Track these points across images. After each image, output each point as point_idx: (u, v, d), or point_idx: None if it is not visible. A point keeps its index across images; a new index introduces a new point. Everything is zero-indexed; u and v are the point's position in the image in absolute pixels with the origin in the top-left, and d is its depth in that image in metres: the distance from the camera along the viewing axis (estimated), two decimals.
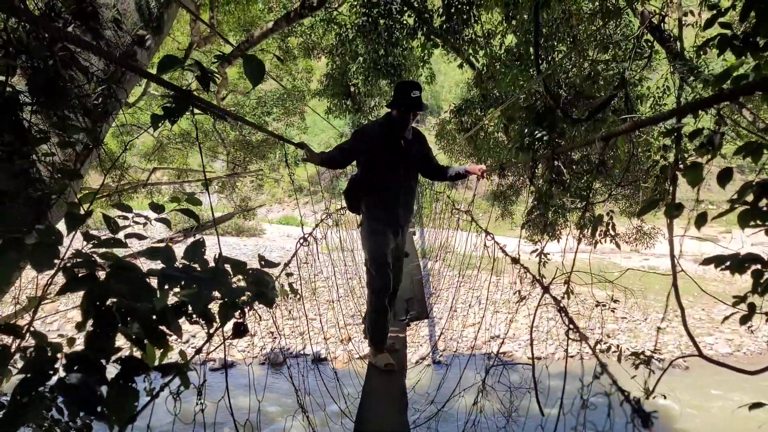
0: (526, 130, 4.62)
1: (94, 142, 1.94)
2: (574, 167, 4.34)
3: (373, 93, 10.27)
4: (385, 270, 3.73)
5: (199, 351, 1.78)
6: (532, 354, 3.39)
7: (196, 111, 1.71)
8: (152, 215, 1.52)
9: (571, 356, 13.52)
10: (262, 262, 1.51)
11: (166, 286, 1.20)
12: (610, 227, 3.67)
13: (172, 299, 1.23)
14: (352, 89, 10.12)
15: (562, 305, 3.11)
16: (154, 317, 1.18)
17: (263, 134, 9.93)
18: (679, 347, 14.10)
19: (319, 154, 3.48)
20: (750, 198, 1.54)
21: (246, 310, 1.42)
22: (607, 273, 3.90)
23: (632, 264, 18.61)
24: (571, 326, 2.85)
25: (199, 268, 1.31)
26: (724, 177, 1.62)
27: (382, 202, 3.69)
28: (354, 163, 3.79)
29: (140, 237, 1.45)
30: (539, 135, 4.89)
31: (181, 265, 1.29)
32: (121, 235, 1.38)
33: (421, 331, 13.32)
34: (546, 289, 2.95)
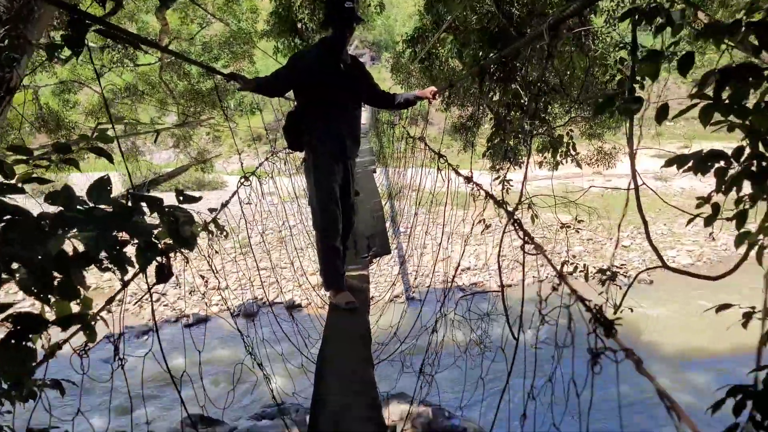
0: (480, 54, 4.41)
1: (5, 91, 1.73)
2: (531, 88, 4.24)
3: (321, 28, 9.88)
4: (332, 207, 3.53)
5: (110, 301, 1.65)
6: (501, 280, 3.37)
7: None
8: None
9: (540, 280, 13.82)
10: (180, 198, 1.35)
11: (61, 231, 1.07)
12: (570, 147, 3.61)
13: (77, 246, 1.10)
14: (299, 25, 9.70)
15: (517, 218, 3.04)
16: (54, 266, 1.06)
17: (213, 82, 9.54)
18: (644, 262, 14.53)
19: (253, 80, 3.30)
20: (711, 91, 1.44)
21: (168, 251, 1.29)
22: (570, 195, 3.87)
23: (594, 184, 18.88)
24: (527, 239, 2.80)
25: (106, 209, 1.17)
26: (686, 63, 1.51)
27: (326, 133, 3.45)
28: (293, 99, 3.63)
29: (42, 181, 1.32)
30: (494, 57, 4.72)
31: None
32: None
33: (393, 270, 13.42)
34: (509, 212, 2.88)
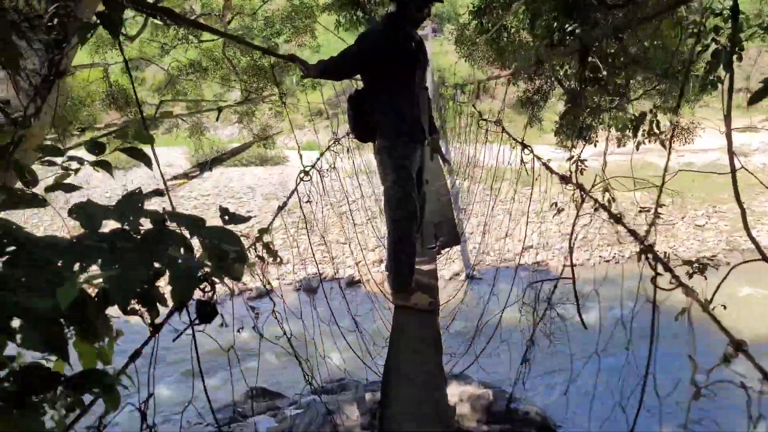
0: (555, 24, 4.06)
1: (55, 74, 1.67)
2: (610, 62, 3.90)
3: (385, 0, 9.62)
4: (413, 198, 3.24)
5: (136, 355, 1.23)
6: (572, 266, 3.17)
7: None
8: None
9: (606, 260, 13.35)
10: (226, 217, 1.12)
11: (76, 267, 0.82)
12: (654, 125, 3.31)
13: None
14: None
15: (603, 203, 2.83)
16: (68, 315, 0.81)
17: (276, 58, 9.53)
18: (719, 243, 13.76)
19: (316, 65, 3.06)
20: None
21: (214, 284, 1.06)
22: (650, 177, 3.55)
23: (669, 162, 17.96)
24: (618, 223, 2.59)
25: (134, 233, 0.95)
26: None
27: (404, 114, 3.20)
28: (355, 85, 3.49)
29: (69, 188, 1.08)
30: (570, 28, 4.37)
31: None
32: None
33: (453, 248, 13.22)
34: (587, 193, 2.68)
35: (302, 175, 3.19)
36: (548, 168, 2.61)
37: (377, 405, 6.98)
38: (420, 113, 3.27)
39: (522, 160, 3.01)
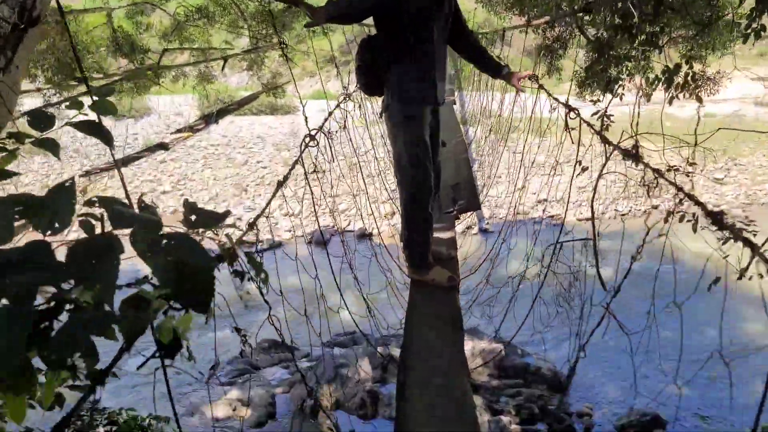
0: None
1: (27, 22, 1.48)
2: (644, 7, 3.58)
3: None
4: (426, 164, 2.93)
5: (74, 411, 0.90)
6: (594, 227, 3.03)
7: None
8: None
9: (623, 214, 13.13)
10: (192, 217, 0.88)
11: None
12: (689, 78, 3.07)
13: None
14: None
15: (635, 153, 2.67)
16: None
17: (282, 3, 9.17)
18: (738, 197, 13.48)
19: (323, 9, 2.66)
20: None
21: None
22: (680, 132, 3.33)
23: (688, 113, 17.48)
24: (659, 175, 2.44)
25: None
26: None
27: (417, 71, 2.87)
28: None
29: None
30: None
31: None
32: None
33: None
34: (617, 147, 2.51)
35: (307, 139, 2.96)
36: (598, 133, 2.41)
37: (388, 359, 6.99)
38: (437, 71, 2.93)
39: (567, 125, 2.75)
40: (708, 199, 13.62)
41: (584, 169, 3.67)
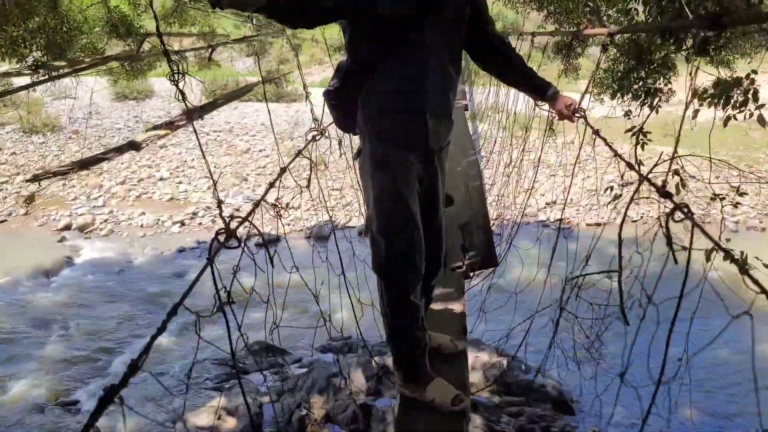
0: None
1: None
2: (701, 8, 3.06)
3: None
4: (409, 235, 1.98)
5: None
6: (620, 263, 2.67)
7: None
8: None
9: (634, 221, 12.69)
10: None
11: None
12: (753, 94, 2.64)
13: None
14: None
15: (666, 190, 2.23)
16: None
17: None
18: (755, 207, 12.99)
19: None
20: None
21: None
22: (700, 139, 2.87)
23: (708, 116, 17.00)
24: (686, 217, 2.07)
25: None
26: None
27: (400, 102, 1.94)
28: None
29: None
30: None
31: None
32: None
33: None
34: (650, 182, 2.10)
35: (313, 133, 2.66)
36: (625, 161, 1.98)
37: (383, 370, 6.62)
38: (430, 100, 1.95)
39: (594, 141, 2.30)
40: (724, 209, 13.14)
41: (617, 197, 3.27)
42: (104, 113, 18.39)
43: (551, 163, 11.77)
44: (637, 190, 2.31)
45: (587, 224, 11.61)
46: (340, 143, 2.93)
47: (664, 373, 1.38)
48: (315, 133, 2.44)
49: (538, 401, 6.60)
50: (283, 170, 2.32)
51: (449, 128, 2.11)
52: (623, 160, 2.04)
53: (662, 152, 2.66)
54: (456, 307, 2.82)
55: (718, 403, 6.06)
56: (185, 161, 14.67)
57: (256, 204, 1.99)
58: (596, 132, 2.10)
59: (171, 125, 3.60)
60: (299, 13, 1.76)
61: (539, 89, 2.22)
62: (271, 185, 2.21)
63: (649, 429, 6.05)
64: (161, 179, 13.51)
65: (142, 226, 11.66)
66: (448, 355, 2.40)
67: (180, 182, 13.41)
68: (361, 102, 2.01)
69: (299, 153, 2.37)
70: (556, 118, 2.28)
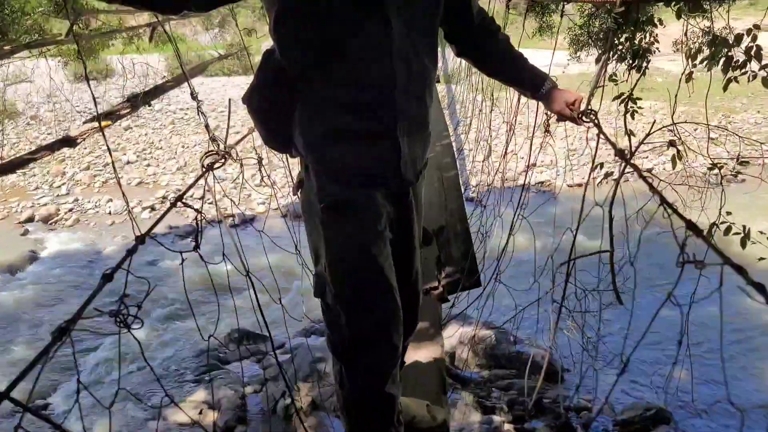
0: None
1: None
2: None
3: None
4: (383, 309, 1.47)
5: None
6: (612, 246, 2.57)
7: None
8: None
9: (614, 180, 12.55)
10: None
11: None
12: (754, 53, 2.38)
13: None
14: None
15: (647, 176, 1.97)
16: None
17: None
18: (733, 155, 12.91)
19: None
20: None
21: None
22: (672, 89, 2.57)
23: (679, 66, 16.80)
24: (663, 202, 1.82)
25: None
26: None
27: (358, 119, 1.39)
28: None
29: None
30: None
31: None
32: None
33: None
34: (634, 167, 1.78)
35: (211, 158, 1.76)
36: (610, 142, 1.68)
37: None
38: (395, 117, 1.39)
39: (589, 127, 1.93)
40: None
41: (608, 174, 3.10)
42: (64, 95, 17.65)
43: (527, 124, 11.52)
44: (623, 173, 2.08)
45: (568, 185, 11.45)
46: (260, 164, 2.23)
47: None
48: (213, 157, 1.70)
49: (529, 373, 6.47)
50: (173, 204, 1.67)
51: (427, 144, 1.55)
52: (624, 159, 1.77)
53: (654, 121, 2.41)
54: (432, 350, 2.12)
55: (713, 370, 5.98)
56: (152, 143, 14.13)
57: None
58: (601, 129, 1.69)
59: (111, 115, 3.23)
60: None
61: (530, 85, 1.66)
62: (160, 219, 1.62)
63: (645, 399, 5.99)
64: (128, 163, 12.99)
65: (110, 213, 11.20)
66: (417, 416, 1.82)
67: (148, 165, 12.91)
68: (298, 118, 1.41)
69: (193, 184, 1.58)
70: (554, 119, 1.72)
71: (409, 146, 1.44)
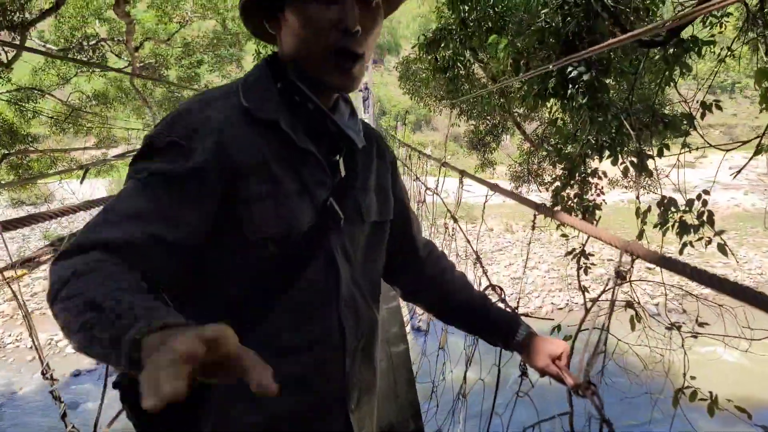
0: (551, 67, 2.74)
1: None
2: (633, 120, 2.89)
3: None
4: None
5: None
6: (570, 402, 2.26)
7: None
8: None
9: (560, 308, 12.64)
10: None
11: None
12: (705, 217, 2.33)
13: None
14: None
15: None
16: None
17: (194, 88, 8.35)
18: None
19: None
20: None
21: None
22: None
23: (614, 199, 17.56)
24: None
25: None
26: None
27: (295, 390, 0.93)
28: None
29: None
30: (574, 74, 3.26)
31: None
32: None
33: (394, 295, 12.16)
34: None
35: None
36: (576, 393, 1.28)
37: None
38: (346, 388, 1.00)
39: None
40: (645, 290, 13.38)
41: (584, 291, 2.88)
42: None
43: (481, 249, 11.61)
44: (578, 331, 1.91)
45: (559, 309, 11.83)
46: None
47: None
48: None
49: None
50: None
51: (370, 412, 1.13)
52: (578, 395, 1.55)
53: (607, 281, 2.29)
54: None
55: None
56: None
57: None
58: (602, 406, 1.32)
59: (30, 261, 2.82)
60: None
61: (501, 332, 1.25)
62: None
63: None
64: None
65: (31, 348, 10.32)
66: None
67: None
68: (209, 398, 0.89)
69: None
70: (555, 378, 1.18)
71: (360, 412, 1.05)
